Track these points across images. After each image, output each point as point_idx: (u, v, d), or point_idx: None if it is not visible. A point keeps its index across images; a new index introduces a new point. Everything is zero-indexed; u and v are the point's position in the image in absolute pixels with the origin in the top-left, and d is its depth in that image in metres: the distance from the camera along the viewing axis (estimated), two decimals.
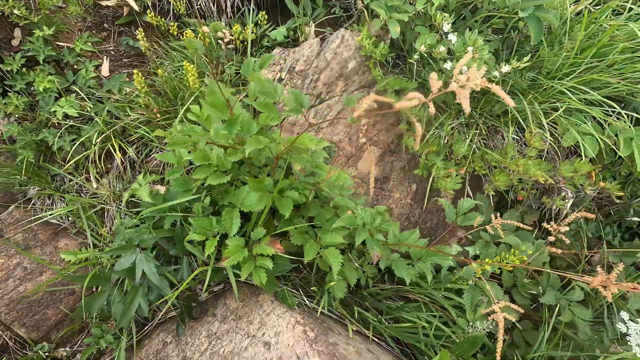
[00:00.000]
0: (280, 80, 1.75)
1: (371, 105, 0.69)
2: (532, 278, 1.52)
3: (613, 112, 1.31)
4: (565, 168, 1.17)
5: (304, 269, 1.47)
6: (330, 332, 1.14)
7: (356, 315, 1.26)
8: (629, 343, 1.10)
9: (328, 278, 1.26)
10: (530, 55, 1.21)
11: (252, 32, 1.91)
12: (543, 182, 1.26)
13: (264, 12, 1.99)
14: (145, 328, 1.43)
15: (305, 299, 1.31)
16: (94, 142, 1.53)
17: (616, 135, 1.24)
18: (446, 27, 1.15)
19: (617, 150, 1.19)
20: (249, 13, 2.02)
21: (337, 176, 1.24)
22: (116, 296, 1.15)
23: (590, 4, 1.33)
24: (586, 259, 1.53)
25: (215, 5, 2.19)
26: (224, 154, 1.23)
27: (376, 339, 1.33)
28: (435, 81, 0.64)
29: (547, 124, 1.21)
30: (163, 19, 1.91)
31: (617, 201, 1.35)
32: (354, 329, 1.24)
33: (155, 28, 2.12)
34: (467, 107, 0.58)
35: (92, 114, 1.63)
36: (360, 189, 1.66)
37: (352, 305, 1.36)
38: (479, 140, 1.41)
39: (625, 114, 1.26)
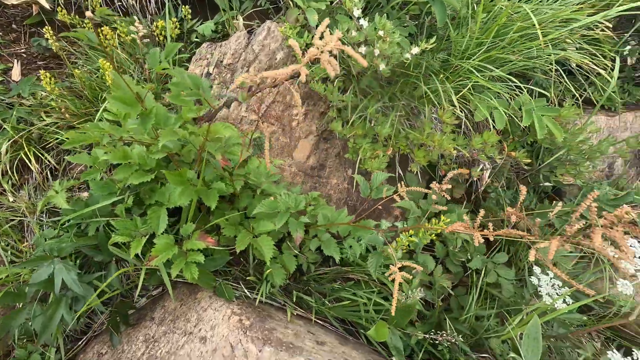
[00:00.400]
0: (209, 74, 1.72)
1: (254, 81, 0.71)
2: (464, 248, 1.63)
3: (517, 87, 1.43)
4: (476, 140, 1.27)
5: (245, 261, 1.47)
6: (270, 318, 1.15)
7: (294, 299, 1.28)
8: (539, 293, 1.22)
9: (266, 267, 1.27)
10: (436, 37, 1.29)
11: (177, 28, 1.86)
12: (456, 155, 1.35)
13: (187, 7, 1.94)
14: (80, 342, 1.35)
15: (245, 290, 1.30)
16: (3, 152, 1.41)
17: (520, 108, 1.36)
18: (356, 13, 1.19)
19: (519, 122, 1.31)
20: (172, 10, 1.96)
21: (260, 164, 1.25)
22: (36, 311, 1.07)
23: None
24: (510, 225, 1.67)
25: (138, 1, 2.10)
26: (147, 151, 1.19)
27: (320, 321, 1.36)
28: (297, 47, 0.68)
29: (457, 100, 1.30)
30: (77, 17, 1.79)
31: (527, 168, 1.49)
32: (295, 314, 1.26)
33: (70, 27, 1.99)
34: (331, 71, 0.62)
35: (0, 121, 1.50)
36: (298, 178, 1.68)
37: (294, 292, 1.38)
38: (403, 121, 1.48)
39: (524, 87, 1.39)
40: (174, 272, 1.07)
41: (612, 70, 1.47)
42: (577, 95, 1.64)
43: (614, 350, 1.06)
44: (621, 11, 1.36)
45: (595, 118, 1.82)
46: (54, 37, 1.55)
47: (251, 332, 0.99)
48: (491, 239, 1.20)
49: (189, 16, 1.94)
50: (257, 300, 1.21)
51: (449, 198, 1.68)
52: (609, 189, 1.39)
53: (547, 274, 1.30)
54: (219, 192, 1.11)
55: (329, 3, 1.39)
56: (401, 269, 0.85)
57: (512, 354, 1.13)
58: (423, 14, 1.58)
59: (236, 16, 2.01)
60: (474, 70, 1.31)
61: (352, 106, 1.46)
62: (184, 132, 1.03)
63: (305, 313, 1.35)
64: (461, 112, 1.45)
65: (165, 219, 1.13)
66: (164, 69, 0.98)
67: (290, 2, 1.81)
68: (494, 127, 1.36)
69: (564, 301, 1.22)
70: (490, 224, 0.86)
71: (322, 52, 0.64)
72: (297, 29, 1.59)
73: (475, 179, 1.51)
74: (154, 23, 1.77)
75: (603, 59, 1.53)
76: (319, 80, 1.54)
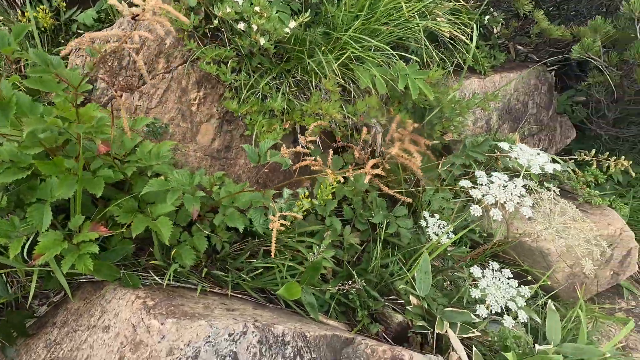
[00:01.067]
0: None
1: (84, 43, 0.71)
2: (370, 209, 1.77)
3: (395, 55, 1.58)
4: (360, 104, 1.39)
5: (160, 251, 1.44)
6: (180, 297, 1.16)
7: (203, 274, 1.30)
8: (427, 233, 1.39)
9: (174, 249, 1.27)
10: (316, 12, 1.37)
11: (52, 17, 1.71)
12: (351, 122, 1.47)
13: None
14: None
15: (156, 277, 1.29)
16: None
17: (397, 75, 1.51)
18: None
19: (396, 87, 1.45)
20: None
21: (157, 148, 1.23)
22: None
23: None
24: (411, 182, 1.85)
25: None
26: (18, 147, 1.11)
27: (239, 295, 1.40)
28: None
29: (346, 71, 1.40)
30: None
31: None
32: (208, 290, 1.29)
33: None
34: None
35: None
36: (205, 162, 1.68)
37: (210, 271, 1.40)
38: (298, 94, 1.55)
39: (400, 55, 1.54)
40: (65, 268, 1.02)
41: (471, 37, 1.70)
42: (449, 62, 1.86)
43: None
44: None
45: (469, 81, 2.07)
46: None
47: (155, 310, 1.00)
48: (387, 190, 1.33)
49: (63, 3, 1.79)
50: (165, 283, 1.21)
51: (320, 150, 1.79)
52: (476, 139, 1.62)
53: (434, 217, 1.49)
54: (106, 179, 1.08)
55: None
56: (282, 217, 0.92)
57: (408, 287, 1.29)
58: None
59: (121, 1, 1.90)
60: (351, 42, 1.43)
61: (246, 84, 1.49)
62: (54, 119, 0.98)
63: (222, 290, 1.38)
64: (350, 82, 1.57)
65: (50, 214, 1.07)
66: (17, 53, 0.92)
67: None
68: (377, 93, 1.49)
69: (447, 237, 1.42)
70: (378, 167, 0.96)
71: (144, 10, 0.66)
72: (183, 11, 1.57)
73: (369, 141, 1.65)
74: (18, 14, 1.61)
75: (465, 28, 1.75)
76: (210, 61, 1.54)
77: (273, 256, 0.90)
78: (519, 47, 2.38)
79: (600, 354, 1.21)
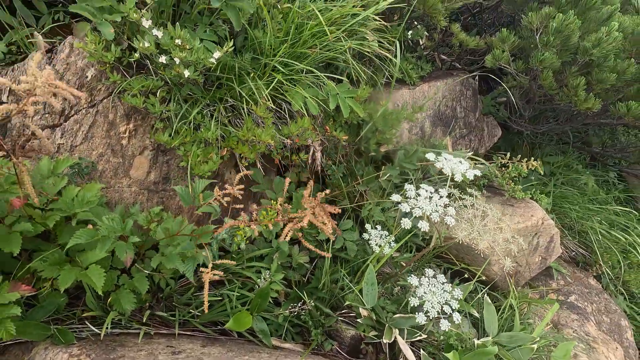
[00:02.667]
0: (1, 103, 1.50)
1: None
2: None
3: (327, 76, 1.64)
4: (292, 127, 1.42)
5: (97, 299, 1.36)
6: (121, 347, 1.11)
7: (145, 319, 1.25)
8: (369, 244, 1.45)
9: (110, 297, 1.20)
10: (240, 38, 1.39)
11: None
12: (290, 143, 1.49)
13: None
14: None
15: (93, 328, 1.21)
16: None
17: (327, 94, 1.56)
18: (146, 24, 1.20)
19: (326, 107, 1.51)
20: None
21: (83, 192, 1.17)
22: None
23: None
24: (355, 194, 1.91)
25: None
26: None
27: (189, 332, 1.36)
28: None
29: (270, 93, 1.42)
30: None
31: (344, 143, 1.73)
32: (153, 333, 1.24)
33: None
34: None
35: None
36: (141, 197, 1.61)
37: (154, 312, 1.35)
38: (232, 121, 1.55)
39: (329, 76, 1.59)
40: None
41: (395, 54, 1.80)
42: (380, 76, 1.95)
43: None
44: (388, 4, 1.67)
45: (400, 92, 2.19)
46: None
47: None
48: (334, 211, 1.37)
49: None
50: (103, 334, 1.14)
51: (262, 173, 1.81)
52: (409, 149, 1.72)
53: (376, 229, 1.56)
54: (24, 233, 1.01)
55: (126, 15, 1.35)
56: (214, 267, 0.92)
57: (355, 301, 1.33)
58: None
59: (33, 33, 1.77)
60: (279, 67, 1.46)
61: (177, 114, 1.47)
62: None
63: (170, 330, 1.33)
64: (283, 103, 1.60)
65: None
66: None
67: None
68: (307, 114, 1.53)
69: (390, 246, 1.48)
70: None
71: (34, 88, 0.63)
72: (102, 43, 1.50)
73: (308, 161, 1.68)
74: None
75: (389, 46, 1.86)
76: (137, 93, 1.49)
77: (207, 310, 0.89)
78: (443, 56, 2.56)
79: (531, 339, 1.33)
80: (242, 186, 1.12)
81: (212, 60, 1.29)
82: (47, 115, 1.54)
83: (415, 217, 1.20)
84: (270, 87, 1.40)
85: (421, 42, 2.48)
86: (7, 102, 1.50)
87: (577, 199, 2.79)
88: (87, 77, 1.58)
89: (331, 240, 1.66)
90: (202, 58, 1.28)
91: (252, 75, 1.44)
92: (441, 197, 1.20)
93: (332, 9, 1.61)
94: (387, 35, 1.86)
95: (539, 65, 1.79)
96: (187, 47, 1.22)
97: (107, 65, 1.52)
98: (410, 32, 2.19)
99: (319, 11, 1.52)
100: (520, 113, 2.35)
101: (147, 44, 1.18)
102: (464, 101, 2.58)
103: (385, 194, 1.86)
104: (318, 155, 1.71)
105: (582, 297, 2.08)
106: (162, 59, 1.21)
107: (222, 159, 1.47)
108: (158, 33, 1.21)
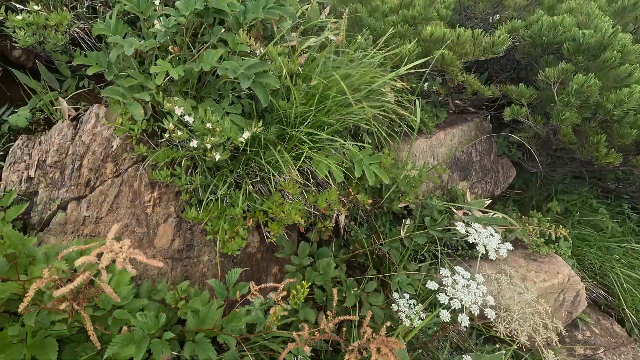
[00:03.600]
0: (30, 179, 1.50)
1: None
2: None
3: (352, 141, 1.64)
4: (320, 200, 1.42)
5: None
6: None
7: None
8: (400, 317, 1.42)
9: None
10: (269, 113, 1.39)
11: None
12: (302, 220, 1.48)
13: None
14: None
15: None
16: None
17: (351, 161, 1.56)
18: (178, 111, 1.21)
19: (351, 174, 1.51)
20: None
21: (115, 281, 1.16)
22: None
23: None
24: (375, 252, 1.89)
25: None
26: None
27: None
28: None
29: (295, 169, 1.42)
30: None
31: (368, 207, 1.72)
32: None
33: None
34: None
35: None
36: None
37: None
38: (258, 187, 1.55)
39: (352, 143, 1.60)
40: None
41: (415, 110, 1.81)
42: (399, 130, 1.96)
43: None
44: (407, 69, 1.69)
45: (417, 142, 2.20)
46: None
47: None
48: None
49: None
50: None
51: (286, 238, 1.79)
52: (433, 212, 1.71)
53: (404, 297, 1.53)
54: (58, 336, 0.99)
55: (155, 93, 1.36)
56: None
57: None
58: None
59: (58, 98, 1.79)
60: (306, 140, 1.46)
61: (203, 186, 1.46)
62: None
63: None
64: (308, 171, 1.60)
65: None
66: None
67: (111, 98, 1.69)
68: (332, 182, 1.53)
69: (420, 318, 1.46)
70: None
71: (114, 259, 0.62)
72: (128, 114, 1.51)
73: (337, 224, 1.68)
74: None
75: (408, 103, 1.87)
76: (163, 166, 1.50)
77: None
78: (457, 101, 2.58)
79: None
80: (282, 289, 1.10)
81: (242, 139, 1.30)
82: (72, 187, 1.54)
83: (455, 310, 1.18)
84: (299, 161, 1.40)
85: (435, 89, 2.50)
86: (34, 177, 1.50)
87: (595, 238, 2.76)
88: (112, 146, 1.58)
89: (356, 306, 1.63)
90: (232, 137, 1.28)
91: (278, 148, 1.44)
92: (479, 284, 1.18)
93: (354, 75, 1.63)
94: (405, 89, 1.88)
95: (560, 123, 1.80)
96: (218, 130, 1.23)
97: (134, 138, 1.52)
98: (426, 84, 2.21)
99: (343, 80, 1.53)
100: (535, 159, 2.35)
101: (180, 133, 1.19)
102: (479, 145, 2.58)
103: (407, 252, 1.83)
104: (342, 218, 1.71)
105: (610, 351, 2.04)
106: (194, 143, 1.21)
107: (247, 230, 1.46)
108: (189, 119, 1.21)
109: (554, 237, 1.77)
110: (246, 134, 1.27)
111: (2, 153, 1.66)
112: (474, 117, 2.59)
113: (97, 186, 1.56)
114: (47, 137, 1.57)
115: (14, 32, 1.60)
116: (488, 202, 2.17)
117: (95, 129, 1.58)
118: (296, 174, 1.38)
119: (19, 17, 1.51)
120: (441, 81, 2.34)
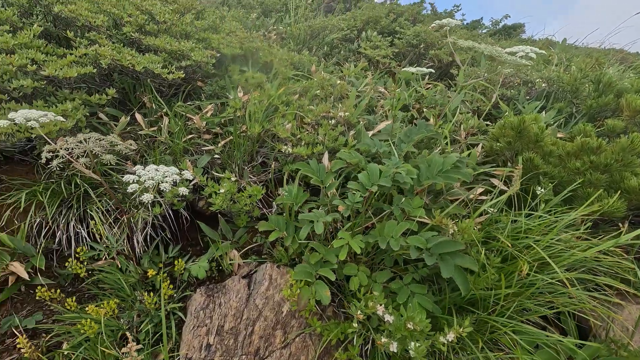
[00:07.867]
0: (209, 347, 1.50)
1: None
2: None
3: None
4: None
5: None
6: None
7: None
8: None
9: None
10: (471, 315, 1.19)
11: (165, 273, 1.72)
12: None
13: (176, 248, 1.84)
14: None
15: None
16: None
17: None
18: (380, 311, 1.09)
19: None
20: (162, 250, 1.86)
21: None
22: None
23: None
24: None
25: (126, 242, 2.01)
26: None
27: None
28: None
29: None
30: (60, 293, 1.63)
31: None
32: None
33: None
34: None
35: None
36: None
37: None
38: None
39: (565, 328, 1.26)
40: None
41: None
42: None
43: None
44: (632, 238, 1.36)
45: None
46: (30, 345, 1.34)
47: None
48: None
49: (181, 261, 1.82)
50: None
51: None
52: None
53: None
54: None
55: (337, 267, 1.31)
56: None
57: None
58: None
59: (231, 250, 1.92)
60: (510, 333, 1.19)
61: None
62: None
63: None
64: None
65: None
66: None
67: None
68: None
69: None
70: None
71: None
72: (303, 281, 1.48)
73: None
74: (144, 299, 1.61)
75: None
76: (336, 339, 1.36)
77: None
78: None
79: None
80: None
81: (444, 340, 1.09)
82: (243, 356, 1.50)
83: None
84: None
85: None
86: (212, 344, 1.52)
87: None
88: (282, 312, 1.54)
89: None
90: (434, 338, 1.09)
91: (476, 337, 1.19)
92: None
93: (556, 246, 1.37)
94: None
95: None
96: (418, 329, 1.06)
97: (306, 311, 1.46)
98: None
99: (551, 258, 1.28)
100: None
101: (384, 340, 1.06)
102: None
103: None
104: None
105: None
106: (393, 347, 1.05)
107: None
108: (389, 318, 1.08)
109: None
110: (450, 336, 1.06)
111: (179, 301, 1.76)
112: None
113: (266, 357, 1.48)
114: (227, 299, 1.62)
115: (210, 196, 1.84)
116: None
117: (268, 291, 1.59)
118: None
119: (222, 190, 1.73)
120: None
